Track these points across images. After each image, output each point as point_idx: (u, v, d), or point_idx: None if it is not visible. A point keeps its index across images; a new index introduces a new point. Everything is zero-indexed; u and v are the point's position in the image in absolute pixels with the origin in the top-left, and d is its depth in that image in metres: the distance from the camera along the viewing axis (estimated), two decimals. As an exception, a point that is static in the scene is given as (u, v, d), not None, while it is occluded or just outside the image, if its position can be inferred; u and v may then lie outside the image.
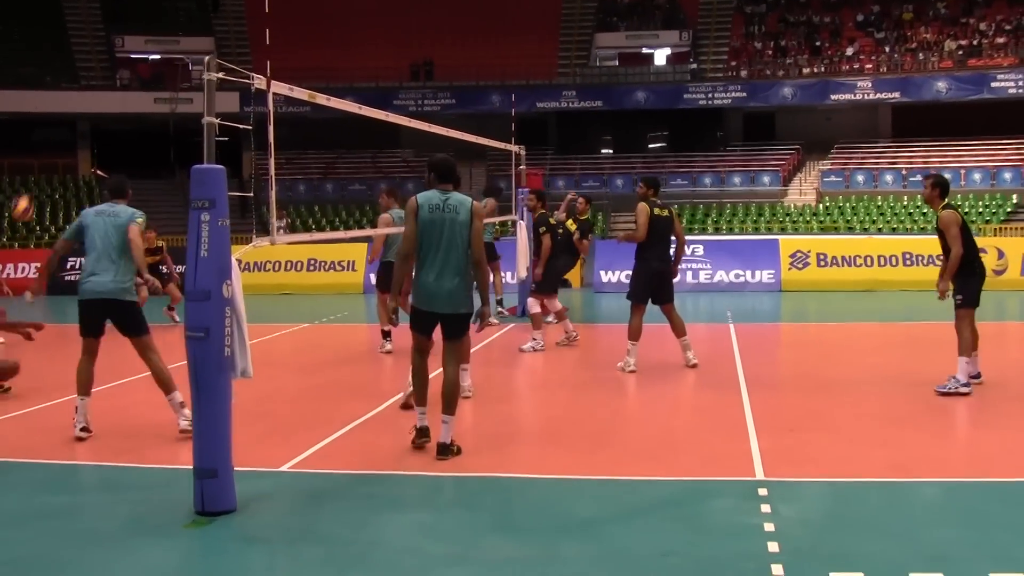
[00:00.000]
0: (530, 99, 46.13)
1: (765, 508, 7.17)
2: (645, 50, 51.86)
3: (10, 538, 6.90)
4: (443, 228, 8.81)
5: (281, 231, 35.43)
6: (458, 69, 47.27)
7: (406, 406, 10.54)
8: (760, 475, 8.05)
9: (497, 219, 19.39)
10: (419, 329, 9.07)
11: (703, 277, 25.19)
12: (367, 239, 22.43)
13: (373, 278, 18.59)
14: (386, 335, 15.28)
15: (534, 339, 15.26)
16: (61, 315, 12.84)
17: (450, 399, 8.89)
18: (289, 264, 27.18)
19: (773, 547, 6.39)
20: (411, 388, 9.64)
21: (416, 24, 49.36)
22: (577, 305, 22.46)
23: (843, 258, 25.10)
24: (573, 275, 26.59)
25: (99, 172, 48.15)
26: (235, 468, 7.31)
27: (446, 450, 8.75)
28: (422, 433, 9.06)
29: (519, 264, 18.58)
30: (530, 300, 15.82)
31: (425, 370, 9.17)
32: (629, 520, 7.11)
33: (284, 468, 8.47)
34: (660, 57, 51.98)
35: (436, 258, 8.83)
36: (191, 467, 7.23)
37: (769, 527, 6.75)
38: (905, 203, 41.64)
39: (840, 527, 6.91)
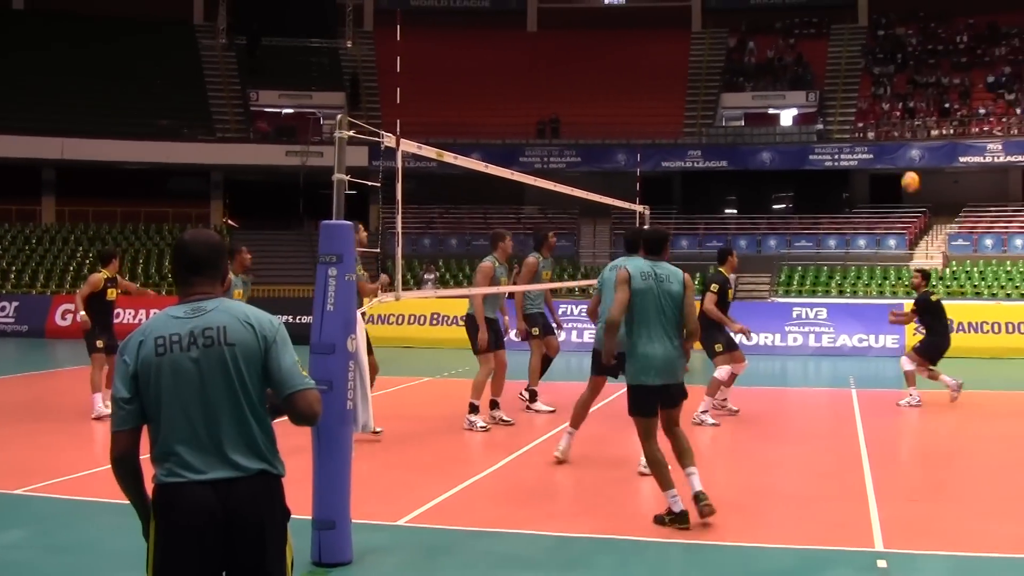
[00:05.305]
0: (655, 158, 46.16)
1: (884, 580, 7.06)
2: (771, 110, 51.60)
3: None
4: (657, 297, 8.50)
5: (430, 284, 35.95)
6: (584, 127, 47.50)
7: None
8: (880, 546, 7.91)
9: (548, 285, 14.95)
10: (651, 411, 8.56)
11: (826, 341, 24.87)
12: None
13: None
14: (475, 409, 13.31)
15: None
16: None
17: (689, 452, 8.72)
18: (412, 317, 27.44)
19: (891, 621, 6.29)
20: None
21: (543, 82, 49.77)
22: (698, 367, 22.29)
23: (970, 324, 24.59)
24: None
25: (230, 221, 49.27)
26: (353, 520, 7.41)
27: (702, 496, 8.38)
28: (682, 518, 8.38)
29: None
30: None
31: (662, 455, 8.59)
32: (745, 587, 7.06)
33: (401, 522, 8.54)
34: (786, 118, 51.67)
35: (654, 327, 8.47)
36: (310, 517, 7.34)
37: (888, 600, 6.65)
38: (1035, 269, 40.74)
39: (962, 603, 6.78)
